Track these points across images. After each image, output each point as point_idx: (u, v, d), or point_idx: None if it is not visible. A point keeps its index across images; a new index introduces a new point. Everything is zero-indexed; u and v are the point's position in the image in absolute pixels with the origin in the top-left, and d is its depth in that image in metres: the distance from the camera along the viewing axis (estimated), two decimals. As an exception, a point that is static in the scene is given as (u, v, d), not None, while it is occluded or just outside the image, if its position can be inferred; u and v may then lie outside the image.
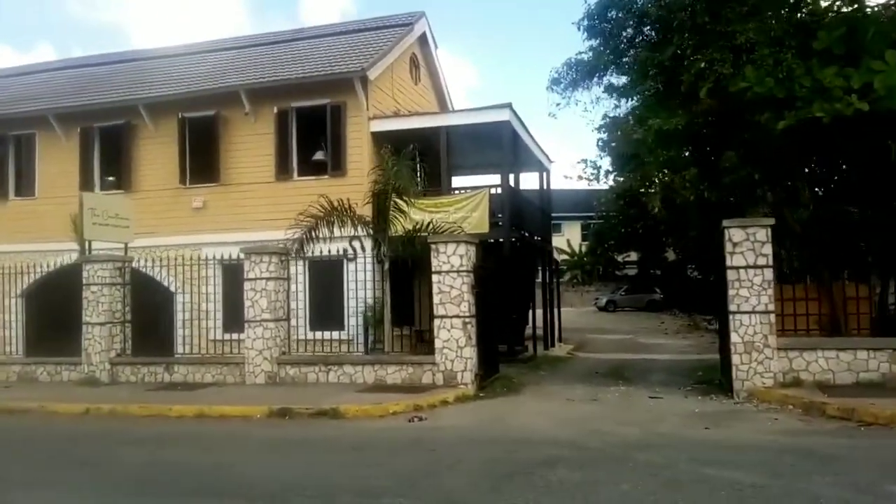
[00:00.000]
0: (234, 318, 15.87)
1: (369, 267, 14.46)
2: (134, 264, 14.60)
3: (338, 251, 13.72)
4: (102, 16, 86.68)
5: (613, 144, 26.04)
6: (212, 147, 16.81)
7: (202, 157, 16.89)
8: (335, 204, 13.56)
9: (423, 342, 15.54)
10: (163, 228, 16.56)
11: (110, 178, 18.07)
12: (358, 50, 17.41)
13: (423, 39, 19.54)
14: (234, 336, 14.42)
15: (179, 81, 17.89)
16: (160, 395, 11.32)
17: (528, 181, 20.87)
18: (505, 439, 7.64)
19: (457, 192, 16.80)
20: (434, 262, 11.29)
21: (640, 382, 12.20)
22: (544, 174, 20.80)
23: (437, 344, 11.10)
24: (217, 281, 16.00)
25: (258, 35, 21.45)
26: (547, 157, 20.76)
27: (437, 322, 11.15)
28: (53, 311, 16.90)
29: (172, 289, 16.19)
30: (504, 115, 15.67)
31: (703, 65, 10.22)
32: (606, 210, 38.77)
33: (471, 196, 15.98)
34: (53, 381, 13.48)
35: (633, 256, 41.87)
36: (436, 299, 11.16)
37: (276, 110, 16.52)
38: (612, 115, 18.62)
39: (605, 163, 31.38)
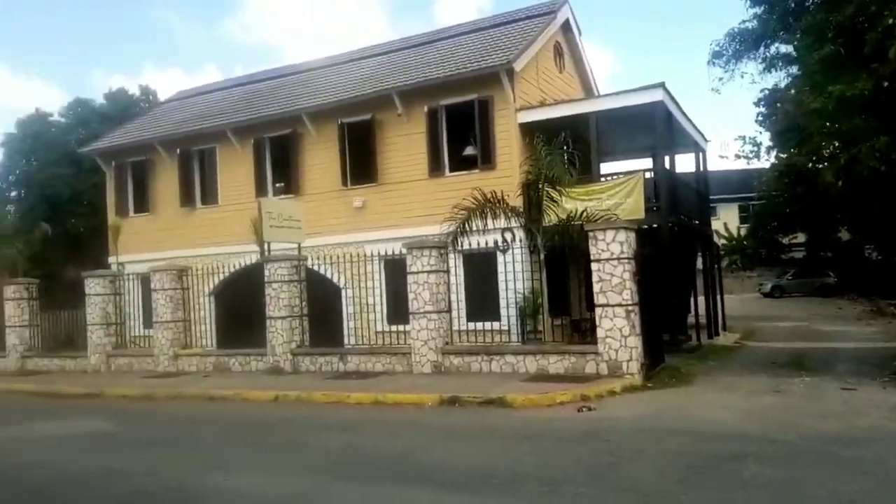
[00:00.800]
0: (396, 310, 16.67)
1: (523, 257, 14.65)
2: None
3: (491, 242, 13.93)
4: (259, 36, 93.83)
5: (774, 118, 24.20)
6: (369, 149, 17.68)
7: (361, 159, 17.82)
8: (488, 196, 13.83)
9: (579, 332, 15.45)
10: (328, 228, 17.64)
11: (280, 184, 19.56)
12: (502, 43, 17.54)
13: (566, 26, 19.29)
14: (398, 327, 15.19)
15: (338, 89, 18.97)
16: (338, 383, 12.15)
17: (683, 163, 20.00)
18: (684, 431, 7.42)
19: (608, 178, 16.47)
20: (593, 250, 11.16)
21: (826, 373, 11.32)
22: (700, 155, 19.80)
23: (600, 333, 10.97)
24: (379, 276, 16.91)
25: (408, 38, 22.22)
26: (703, 136, 19.74)
27: (598, 311, 11.03)
28: (238, 308, 18.67)
29: (339, 284, 17.27)
30: (657, 95, 15.11)
31: (890, 21, 9.25)
32: (767, 189, 36.11)
33: (624, 181, 15.58)
34: (244, 370, 14.87)
35: (801, 238, 38.68)
36: (596, 288, 11.03)
37: (426, 109, 17.05)
38: (773, 86, 17.30)
39: (765, 139, 29.26)
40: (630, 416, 8.41)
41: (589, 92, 20.54)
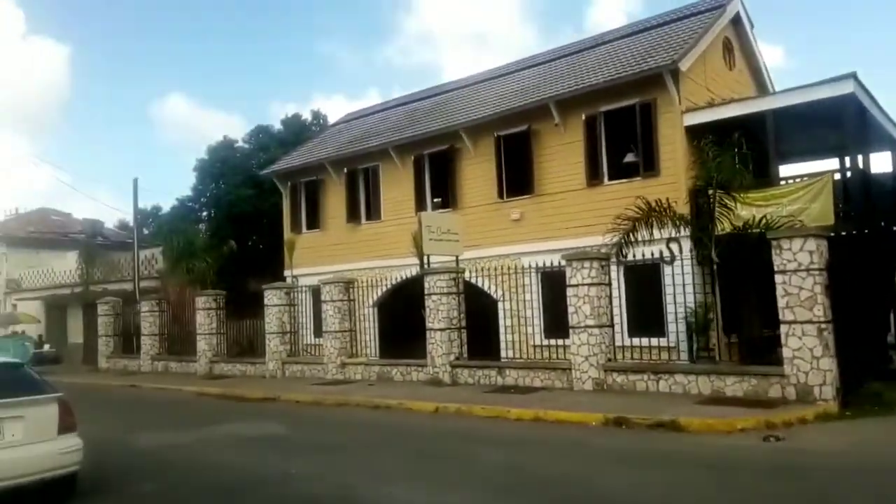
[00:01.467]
0: (553, 323, 16.31)
1: (689, 269, 13.71)
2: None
3: (654, 254, 13.15)
4: (416, 59, 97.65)
5: None
6: (525, 161, 17.52)
7: (517, 171, 17.70)
8: (653, 204, 13.09)
9: (755, 351, 14.12)
10: (484, 241, 17.66)
11: (438, 199, 19.96)
12: (665, 43, 16.68)
13: (736, 20, 17.97)
14: (555, 342, 14.81)
15: (493, 102, 19.05)
16: (496, 397, 12.01)
17: (879, 163, 17.73)
18: (897, 470, 6.41)
19: (788, 181, 14.97)
20: (777, 261, 10.11)
21: None
22: (900, 153, 17.47)
23: (786, 353, 9.89)
24: (536, 288, 16.63)
25: (563, 46, 21.88)
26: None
27: (784, 328, 9.95)
28: (398, 318, 19.23)
29: (495, 297, 17.20)
30: (847, 88, 13.48)
31: None
32: None
33: (809, 184, 14.08)
34: (405, 380, 15.23)
35: None
36: (781, 303, 9.97)
37: (584, 117, 16.60)
38: None
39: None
40: (828, 450, 7.44)
41: (762, 89, 18.97)
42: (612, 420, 9.33)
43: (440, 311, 14.40)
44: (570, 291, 12.65)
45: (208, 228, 28.07)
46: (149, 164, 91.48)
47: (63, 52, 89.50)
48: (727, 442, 8.12)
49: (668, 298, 13.83)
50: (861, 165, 14.49)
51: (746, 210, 13.28)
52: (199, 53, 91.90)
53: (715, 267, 12.35)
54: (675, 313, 13.74)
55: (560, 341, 14.66)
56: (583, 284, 12.41)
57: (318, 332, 19.97)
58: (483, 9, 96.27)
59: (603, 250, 13.18)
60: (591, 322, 12.24)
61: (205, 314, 20.18)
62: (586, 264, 12.44)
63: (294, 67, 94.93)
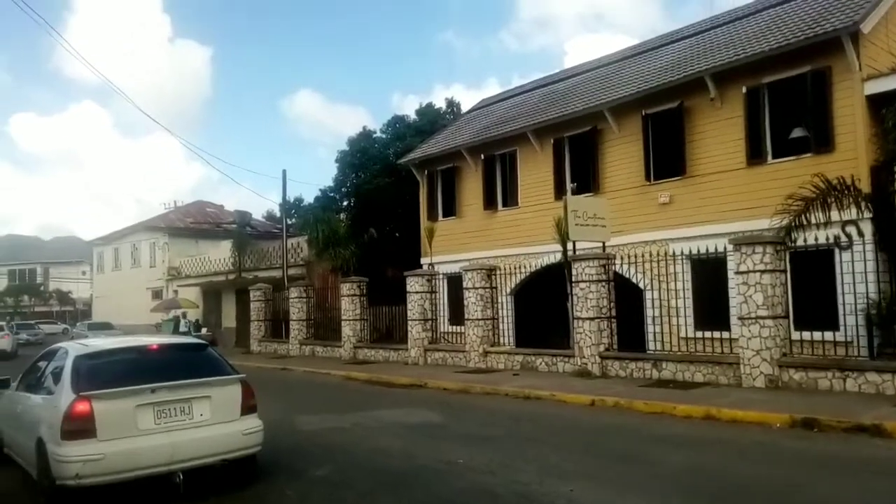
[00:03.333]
0: (705, 314, 15.25)
1: (871, 256, 12.27)
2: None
3: (828, 238, 11.81)
4: (534, 44, 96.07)
5: None
6: (675, 140, 16.45)
7: (666, 152, 16.68)
8: (833, 183, 11.75)
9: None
10: (629, 226, 16.81)
11: (578, 183, 19.24)
12: (837, 5, 14.95)
13: (927, -28, 15.77)
14: (707, 333, 13.78)
15: (640, 80, 18.04)
16: (656, 391, 11.30)
17: None
18: None
19: None
20: None
21: None
22: None
23: None
24: (686, 276, 15.60)
25: (715, 17, 20.37)
26: None
27: None
28: (536, 307, 18.86)
29: (641, 286, 16.33)
30: None
31: None
32: None
33: None
34: (550, 370, 14.79)
35: None
36: None
37: (744, 90, 15.29)
38: None
39: None
40: None
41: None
42: (799, 421, 8.40)
43: (589, 300, 13.82)
44: (738, 279, 11.63)
45: (348, 217, 28.98)
46: (283, 158, 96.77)
47: (205, 53, 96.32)
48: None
49: (844, 288, 12.41)
50: None
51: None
52: (325, 51, 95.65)
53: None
54: (854, 304, 12.29)
55: (713, 333, 13.65)
56: (754, 271, 11.36)
57: (455, 319, 20.00)
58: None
59: (768, 234, 12.01)
60: (763, 312, 11.18)
61: (349, 300, 20.76)
62: (758, 249, 11.37)
63: (413, 59, 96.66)
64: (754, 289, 11.33)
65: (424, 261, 22.88)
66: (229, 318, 32.49)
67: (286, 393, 13.66)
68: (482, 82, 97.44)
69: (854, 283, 11.82)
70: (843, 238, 11.88)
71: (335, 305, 23.08)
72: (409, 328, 18.40)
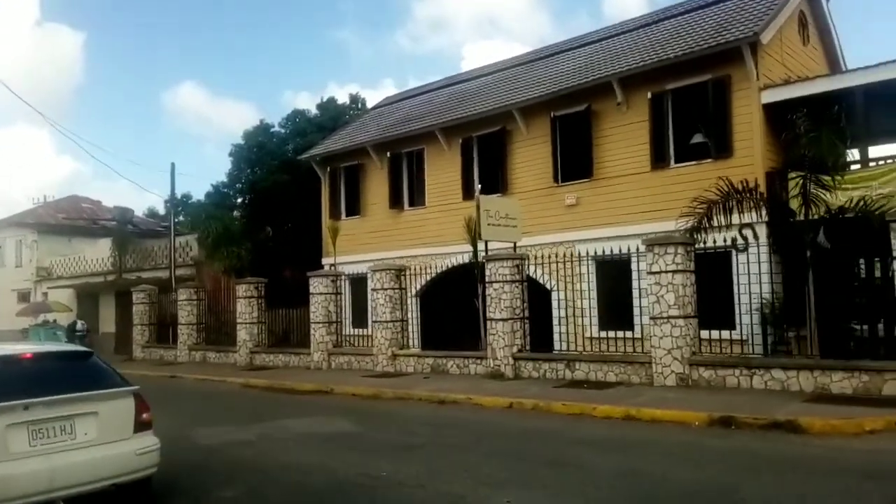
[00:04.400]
0: (610, 314, 15.49)
1: (764, 258, 12.85)
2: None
3: (726, 241, 12.22)
4: (429, 46, 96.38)
5: None
6: (583, 142, 16.65)
7: (574, 154, 16.84)
8: (738, 185, 12.15)
9: (834, 342, 13.15)
10: (537, 227, 16.81)
11: (487, 184, 19.05)
12: (737, 17, 15.64)
13: (812, -7, 16.86)
14: (612, 333, 13.97)
15: (549, 82, 18.13)
16: (572, 392, 11.19)
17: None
18: None
19: (878, 163, 13.93)
20: (899, 246, 9.16)
21: None
22: None
23: (909, 347, 8.97)
24: (592, 277, 15.80)
25: (623, 22, 20.88)
26: None
27: (905, 320, 9.02)
28: (443, 309, 18.53)
29: (548, 286, 16.36)
30: (950, 62, 12.45)
31: None
32: None
33: (903, 166, 13.07)
34: (462, 373, 14.44)
35: None
36: (903, 292, 9.04)
37: (649, 96, 15.69)
38: None
39: None
40: None
41: (835, 66, 17.88)
42: (717, 419, 8.46)
43: (502, 300, 13.59)
44: (651, 279, 11.76)
45: (243, 215, 27.47)
46: (165, 153, 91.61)
47: (77, 39, 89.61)
48: (858, 445, 7.24)
49: (741, 289, 12.89)
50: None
51: (831, 194, 12.31)
52: (210, 42, 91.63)
53: (809, 254, 11.36)
54: (750, 304, 12.78)
55: (618, 333, 13.87)
56: (666, 272, 11.51)
57: (358, 322, 19.29)
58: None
59: (679, 235, 12.24)
60: (675, 312, 11.35)
61: (245, 302, 19.55)
62: (670, 249, 11.53)
63: (305, 56, 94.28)
64: (666, 289, 11.48)
65: (326, 261, 22.02)
66: (108, 323, 29.98)
67: (179, 403, 12.48)
68: (378, 82, 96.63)
69: (749, 284, 12.29)
70: (740, 240, 12.30)
71: (228, 308, 21.72)
72: (312, 331, 17.51)
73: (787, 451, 7.16)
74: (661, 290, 11.53)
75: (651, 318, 11.71)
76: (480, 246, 15.20)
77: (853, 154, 14.49)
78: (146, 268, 27.48)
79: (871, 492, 5.67)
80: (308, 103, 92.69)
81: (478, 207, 14.48)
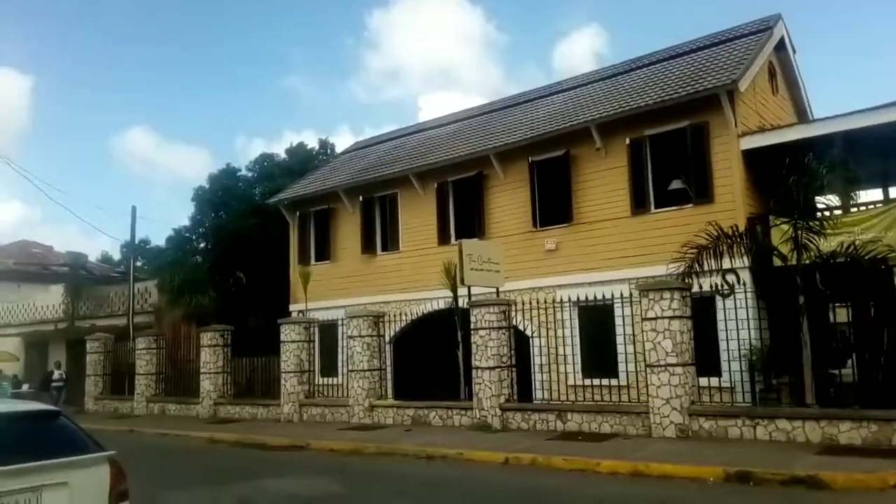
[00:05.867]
0: (593, 362, 15.10)
1: (750, 304, 12.74)
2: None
3: (711, 286, 12.02)
4: (383, 96, 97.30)
5: None
6: (562, 187, 16.50)
7: (553, 199, 16.67)
8: (727, 230, 12.04)
9: (828, 389, 13.00)
10: (517, 272, 16.42)
11: (464, 228, 18.70)
12: (712, 65, 15.87)
13: (780, 45, 17.28)
14: (596, 381, 13.59)
15: (526, 127, 18.06)
16: (568, 446, 10.62)
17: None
18: None
19: (858, 208, 14.05)
20: (903, 291, 9.03)
21: None
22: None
23: (919, 394, 8.74)
24: (574, 323, 15.43)
25: (600, 70, 21.17)
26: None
27: (913, 367, 8.82)
28: (418, 357, 17.89)
29: (528, 333, 15.90)
30: (925, 110, 12.71)
31: None
32: None
33: (883, 211, 13.25)
34: (445, 425, 13.76)
35: None
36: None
37: (628, 141, 15.68)
38: None
39: None
40: None
41: (803, 116, 18.29)
42: (733, 475, 7.99)
43: (489, 348, 13.06)
44: (647, 325, 11.40)
45: (207, 260, 26.45)
46: (116, 198, 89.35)
47: (25, 83, 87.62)
48: (883, 500, 6.86)
49: (725, 335, 12.69)
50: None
51: (821, 239, 12.28)
52: (161, 87, 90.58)
53: (802, 300, 11.20)
54: (739, 350, 12.57)
55: (601, 380, 13.50)
56: (662, 318, 11.18)
57: (327, 371, 18.45)
58: (446, 47, 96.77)
59: (673, 280, 11.99)
60: (672, 360, 10.98)
61: (210, 351, 18.54)
62: (666, 295, 11.23)
63: (256, 102, 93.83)
64: (663, 335, 11.15)
65: (295, 307, 21.23)
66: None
67: (141, 461, 11.31)
68: (333, 129, 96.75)
69: (738, 330, 12.09)
70: (725, 286, 12.12)
71: (189, 357, 20.63)
72: (283, 381, 16.61)
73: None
74: (658, 337, 11.18)
75: (647, 366, 11.33)
76: (461, 291, 14.75)
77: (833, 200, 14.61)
78: (101, 315, 26.14)
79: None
80: (262, 148, 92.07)
81: (460, 252, 14.06)
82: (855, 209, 13.87)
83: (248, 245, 25.58)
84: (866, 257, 11.06)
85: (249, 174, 29.60)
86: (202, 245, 29.17)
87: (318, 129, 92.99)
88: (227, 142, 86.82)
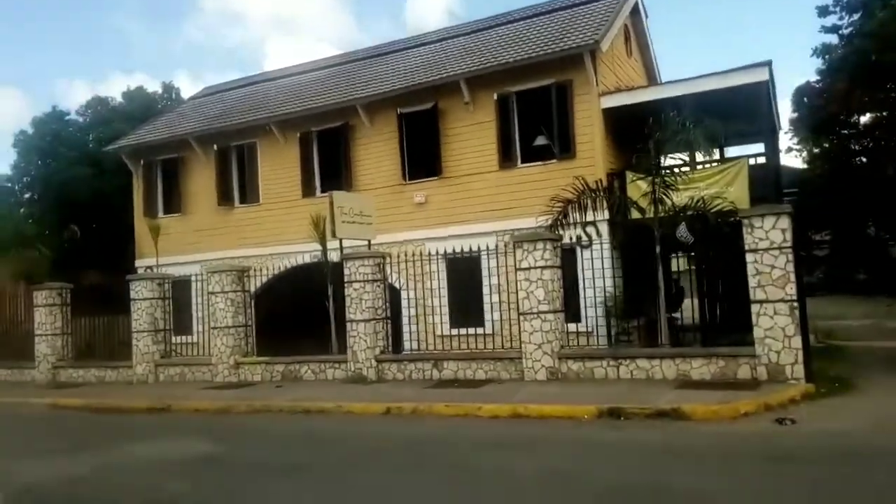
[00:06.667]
0: (461, 312, 15.45)
1: (606, 254, 13.57)
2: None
3: (570, 238, 12.67)
4: (226, 41, 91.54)
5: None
6: (431, 141, 16.45)
7: (422, 152, 16.58)
8: (592, 185, 12.66)
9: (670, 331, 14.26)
10: (386, 225, 16.22)
11: (330, 180, 18.14)
12: (574, 26, 16.38)
13: (634, 9, 18.18)
14: (464, 331, 13.97)
15: (396, 77, 17.70)
16: (446, 393, 10.81)
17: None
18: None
19: (703, 166, 15.29)
20: (748, 239, 9.96)
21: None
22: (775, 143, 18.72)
23: (758, 333, 9.76)
24: (442, 276, 15.65)
25: (467, 23, 20.99)
26: (778, 122, 18.70)
27: (755, 308, 9.81)
28: (282, 312, 17.28)
29: (398, 285, 15.92)
30: (762, 75, 13.96)
31: None
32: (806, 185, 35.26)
33: (724, 168, 14.52)
34: (318, 379, 13.48)
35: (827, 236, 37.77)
36: (752, 282, 9.83)
37: (496, 97, 15.89)
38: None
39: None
40: (852, 430, 7.20)
41: (652, 79, 19.50)
42: (605, 411, 8.54)
43: (364, 301, 12.87)
44: (520, 275, 11.77)
45: (34, 212, 23.61)
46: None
47: None
48: (742, 428, 7.67)
49: (584, 283, 13.50)
50: (771, 152, 15.15)
51: (674, 193, 13.25)
52: None
53: (659, 250, 12.08)
54: (595, 298, 13.40)
55: (468, 330, 13.87)
56: (535, 267, 11.58)
57: (180, 329, 17.33)
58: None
59: (545, 231, 12.43)
60: (545, 307, 11.45)
61: (46, 311, 16.72)
62: (539, 246, 11.62)
63: (78, 42, 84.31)
64: (536, 284, 11.56)
65: (142, 263, 19.73)
66: None
67: (-28, 436, 10.16)
68: (170, 74, 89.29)
69: (594, 279, 12.83)
70: (585, 238, 12.82)
71: (19, 318, 18.54)
72: (136, 341, 15.38)
73: (686, 440, 7.34)
74: (531, 286, 11.58)
75: (521, 314, 11.72)
76: (331, 244, 14.37)
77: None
78: None
79: (794, 478, 5.92)
80: (87, 92, 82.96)
81: (331, 204, 13.64)
82: (700, 167, 15.12)
83: (82, 196, 23.11)
84: (712, 211, 12.08)
85: (81, 119, 26.58)
86: (27, 195, 25.95)
87: (152, 73, 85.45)
88: (46, 84, 77.21)
